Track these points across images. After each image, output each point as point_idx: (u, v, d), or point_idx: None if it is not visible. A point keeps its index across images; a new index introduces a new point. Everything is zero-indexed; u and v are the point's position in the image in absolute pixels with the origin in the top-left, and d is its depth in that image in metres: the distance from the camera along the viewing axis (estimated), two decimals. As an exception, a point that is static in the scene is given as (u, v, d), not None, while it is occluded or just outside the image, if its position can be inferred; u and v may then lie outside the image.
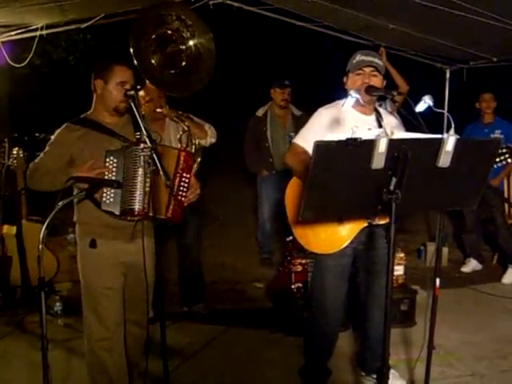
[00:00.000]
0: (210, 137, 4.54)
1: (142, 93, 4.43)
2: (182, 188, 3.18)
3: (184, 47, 4.13)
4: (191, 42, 4.13)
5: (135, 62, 3.81)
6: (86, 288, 3.26)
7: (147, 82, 4.24)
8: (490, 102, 6.12)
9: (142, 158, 2.96)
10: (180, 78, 4.14)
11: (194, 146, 4.37)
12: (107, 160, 3.03)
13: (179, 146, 4.35)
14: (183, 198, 3.21)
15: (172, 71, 4.12)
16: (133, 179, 3.00)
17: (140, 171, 2.99)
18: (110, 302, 3.22)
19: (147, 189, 2.99)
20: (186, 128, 4.30)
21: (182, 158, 3.18)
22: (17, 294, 5.04)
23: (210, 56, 4.20)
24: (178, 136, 4.44)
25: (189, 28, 4.09)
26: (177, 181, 3.17)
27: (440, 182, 2.43)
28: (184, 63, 4.15)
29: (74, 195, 3.00)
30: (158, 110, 4.40)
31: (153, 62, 4.02)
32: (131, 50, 3.80)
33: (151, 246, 3.20)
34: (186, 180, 3.20)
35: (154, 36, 4.00)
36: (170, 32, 4.10)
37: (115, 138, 3.15)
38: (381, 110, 3.49)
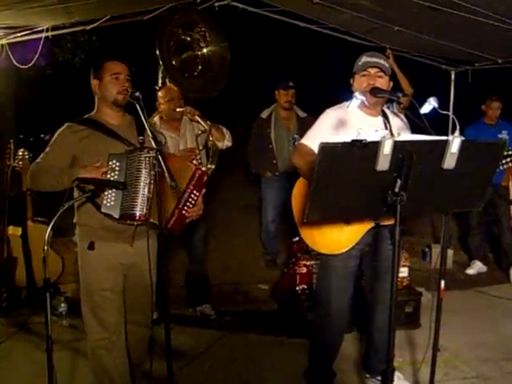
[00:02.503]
0: (227, 140, 4.59)
1: (161, 93, 4.51)
2: (188, 204, 3.22)
3: (200, 53, 4.21)
4: (205, 50, 4.22)
5: (161, 61, 3.87)
6: (84, 289, 3.27)
7: (168, 82, 4.30)
8: (498, 110, 6.11)
9: (145, 163, 2.97)
10: (198, 82, 4.22)
11: (211, 149, 4.41)
12: (110, 163, 3.04)
13: (195, 145, 4.39)
14: (186, 214, 3.23)
15: (190, 74, 4.19)
16: (135, 184, 3.00)
17: (143, 176, 2.99)
18: (108, 304, 3.23)
19: (149, 195, 3.00)
20: (207, 128, 4.33)
21: (196, 175, 3.22)
22: (22, 295, 5.05)
23: (225, 63, 4.27)
24: (195, 137, 4.48)
25: (206, 41, 4.18)
26: (186, 195, 3.20)
27: (445, 184, 2.43)
28: (200, 67, 4.22)
29: (80, 196, 3.00)
30: (178, 109, 4.44)
31: (174, 63, 4.10)
32: (157, 50, 3.86)
33: (152, 247, 3.20)
34: (195, 197, 3.24)
35: (175, 38, 4.08)
36: (189, 39, 4.19)
37: (119, 140, 3.15)
38: (387, 111, 3.48)
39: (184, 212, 3.21)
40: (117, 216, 3.02)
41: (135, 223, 3.09)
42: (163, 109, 4.54)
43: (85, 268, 3.26)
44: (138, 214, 2.99)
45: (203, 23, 4.24)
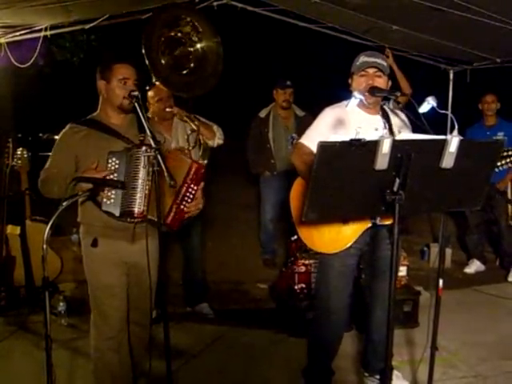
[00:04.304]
0: (217, 138, 4.57)
1: (151, 93, 4.48)
2: (186, 198, 3.19)
3: (192, 49, 4.19)
4: (199, 45, 4.19)
5: (146, 61, 3.85)
6: (90, 287, 3.30)
7: (157, 82, 4.28)
8: (491, 104, 6.10)
9: (144, 160, 2.97)
10: (189, 79, 4.20)
11: (201, 147, 4.39)
12: (109, 161, 3.05)
13: (187, 145, 4.37)
14: (185, 208, 3.22)
15: (181, 72, 4.17)
16: (134, 181, 3.01)
17: (141, 173, 3.00)
18: (113, 300, 3.25)
19: (147, 191, 3.01)
20: (195, 128, 4.32)
21: (193, 169, 3.18)
22: (21, 294, 5.05)
23: (217, 59, 4.25)
24: (186, 136, 4.46)
25: (198, 34, 4.16)
26: (183, 190, 3.16)
27: (443, 183, 2.44)
28: (192, 64, 4.20)
29: (78, 195, 3.00)
30: (168, 109, 4.43)
31: (162, 62, 4.08)
32: (143, 49, 3.84)
33: (154, 247, 3.21)
34: (193, 192, 3.20)
35: (165, 36, 4.06)
36: (179, 35, 4.16)
37: (119, 139, 3.16)
38: (387, 109, 3.48)
39: (182, 207, 3.19)
40: (117, 214, 3.04)
41: (134, 220, 3.10)
42: (153, 109, 4.52)
43: (89, 265, 3.28)
44: (136, 210, 3.00)
45: (186, 14, 4.20)
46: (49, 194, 3.14)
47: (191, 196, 3.20)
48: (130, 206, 3.01)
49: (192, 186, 3.19)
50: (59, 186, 3.02)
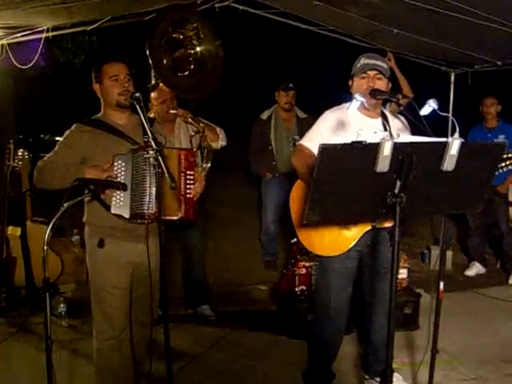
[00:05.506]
0: (221, 140, 4.58)
1: (154, 94, 4.50)
2: (188, 186, 3.23)
3: (192, 52, 4.20)
4: (198, 48, 4.21)
5: (150, 60, 3.87)
6: (93, 287, 3.30)
7: (160, 83, 4.29)
8: (491, 107, 6.09)
9: (150, 162, 2.98)
10: (190, 81, 4.21)
11: (205, 149, 4.40)
12: (115, 164, 3.06)
13: (190, 147, 4.39)
14: (191, 195, 3.25)
15: (182, 74, 4.18)
16: (142, 183, 3.03)
17: (149, 175, 3.02)
18: (117, 301, 3.25)
19: (157, 192, 3.01)
20: (200, 129, 4.33)
21: (182, 157, 3.22)
22: (21, 295, 5.05)
23: (218, 62, 4.27)
24: (189, 137, 4.47)
25: (199, 39, 4.18)
26: (182, 180, 3.20)
27: (444, 186, 2.43)
28: (192, 66, 4.21)
29: (80, 197, 3.00)
30: (172, 111, 4.44)
31: (164, 62, 4.09)
32: (147, 49, 3.85)
33: (158, 247, 3.21)
34: (191, 177, 3.24)
35: (167, 36, 4.07)
36: (181, 37, 4.18)
37: (124, 139, 3.18)
38: (387, 113, 3.48)
39: (188, 195, 3.23)
40: (127, 216, 3.06)
41: (145, 222, 3.11)
42: (156, 110, 4.54)
43: (93, 266, 3.28)
44: (147, 212, 3.03)
45: (194, 19, 4.22)
46: (48, 184, 3.15)
47: (191, 182, 3.25)
48: (140, 208, 3.04)
49: (188, 172, 3.23)
50: (62, 176, 3.03)
